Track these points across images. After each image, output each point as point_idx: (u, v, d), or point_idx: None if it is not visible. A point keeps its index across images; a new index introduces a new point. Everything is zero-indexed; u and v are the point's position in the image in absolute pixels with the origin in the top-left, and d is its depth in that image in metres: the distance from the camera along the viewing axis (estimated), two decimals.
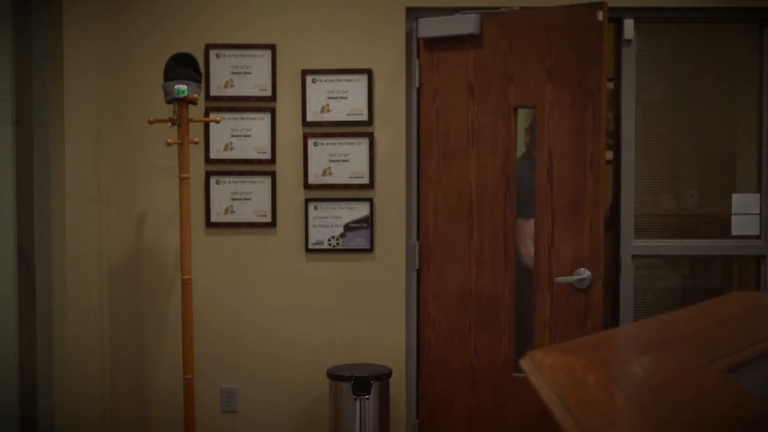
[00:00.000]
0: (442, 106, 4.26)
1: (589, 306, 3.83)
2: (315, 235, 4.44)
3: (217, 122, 4.32)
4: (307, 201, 4.43)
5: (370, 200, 4.43)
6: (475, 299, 4.19)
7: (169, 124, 4.02)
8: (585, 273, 3.84)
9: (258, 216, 4.44)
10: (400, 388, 4.44)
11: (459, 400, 4.25)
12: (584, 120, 3.89)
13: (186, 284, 4.03)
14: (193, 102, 4.00)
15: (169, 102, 3.97)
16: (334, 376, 4.21)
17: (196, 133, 4.28)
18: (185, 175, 4.01)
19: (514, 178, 4.10)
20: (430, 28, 4.25)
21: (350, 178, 4.43)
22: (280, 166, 4.43)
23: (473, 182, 4.18)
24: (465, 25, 4.12)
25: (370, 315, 4.47)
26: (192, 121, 4.06)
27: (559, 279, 3.91)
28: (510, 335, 4.11)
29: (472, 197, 4.18)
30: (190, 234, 4.07)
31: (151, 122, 4.04)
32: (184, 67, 3.97)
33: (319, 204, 4.43)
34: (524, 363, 1.85)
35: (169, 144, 4.01)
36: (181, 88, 3.91)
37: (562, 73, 3.97)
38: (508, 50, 4.09)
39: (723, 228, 4.59)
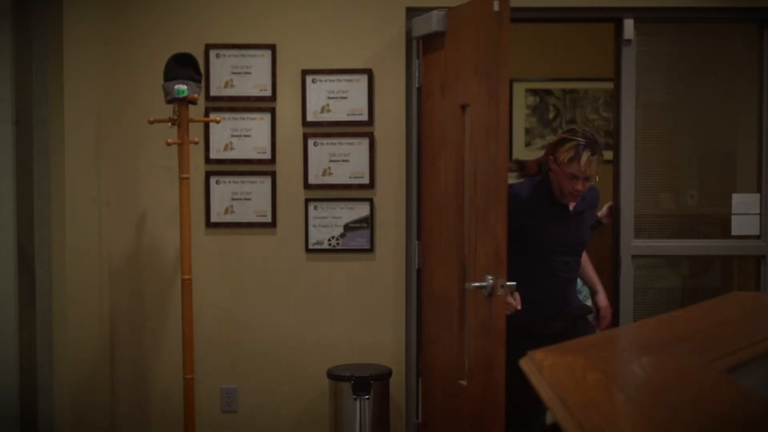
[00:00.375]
0: (430, 105, 4.25)
1: (492, 314, 3.55)
2: (315, 235, 4.44)
3: (217, 122, 4.32)
4: (307, 201, 4.43)
5: (370, 200, 4.43)
6: (443, 302, 4.12)
7: (169, 124, 4.02)
8: (488, 280, 3.58)
9: (258, 216, 4.44)
10: (400, 388, 4.44)
11: (437, 405, 4.23)
12: (490, 118, 3.61)
13: (186, 284, 4.03)
14: (193, 102, 4.00)
15: (169, 102, 3.97)
16: (334, 376, 4.21)
17: (196, 133, 4.28)
18: (185, 175, 4.02)
19: (464, 177, 3.90)
20: (417, 26, 4.27)
21: (350, 178, 4.43)
22: (280, 166, 4.43)
23: (442, 183, 4.11)
24: (434, 22, 4.08)
25: (370, 315, 4.47)
26: (192, 121, 4.06)
27: (467, 285, 3.73)
28: (459, 341, 3.96)
29: (442, 198, 4.12)
30: (190, 234, 4.07)
31: (151, 122, 4.04)
32: (184, 67, 3.97)
33: (319, 204, 4.43)
34: (524, 363, 1.85)
35: (169, 144, 4.01)
36: (181, 88, 3.91)
37: (482, 69, 3.68)
38: (458, 46, 3.93)
39: (723, 228, 4.59)
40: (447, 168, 4.06)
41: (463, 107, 3.90)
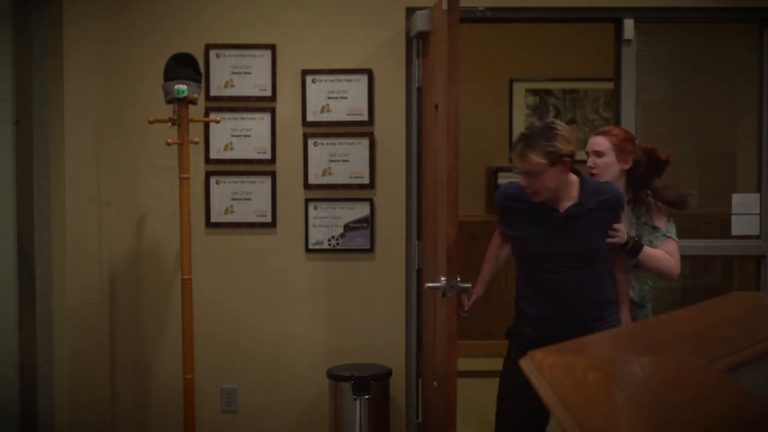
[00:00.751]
0: (425, 105, 4.25)
1: (444, 315, 3.49)
2: (315, 235, 4.44)
3: (217, 122, 4.32)
4: (307, 201, 4.43)
5: (370, 200, 4.43)
6: (427, 303, 4.11)
7: (169, 124, 4.02)
8: (441, 280, 3.49)
9: (258, 216, 4.44)
10: (400, 388, 4.44)
11: (428, 405, 4.22)
12: (441, 118, 3.57)
13: (186, 284, 4.03)
14: (193, 102, 4.00)
15: (169, 102, 3.97)
16: (334, 376, 4.21)
17: (196, 133, 4.28)
18: (185, 175, 4.02)
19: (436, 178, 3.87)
20: (413, 25, 4.28)
21: (350, 178, 4.43)
22: (280, 166, 4.43)
23: (430, 184, 4.10)
24: (419, 22, 4.09)
25: (370, 315, 4.47)
26: (192, 121, 4.06)
27: (426, 286, 3.66)
28: (434, 343, 3.92)
29: (426, 199, 4.13)
30: (190, 234, 4.07)
31: (151, 122, 4.04)
32: (184, 67, 3.97)
33: (319, 204, 4.43)
34: (524, 363, 1.85)
35: (169, 144, 4.01)
36: (181, 88, 3.91)
37: (444, 69, 3.61)
38: (436, 46, 3.91)
39: (723, 228, 4.59)
40: (429, 168, 4.07)
41: (437, 107, 3.85)
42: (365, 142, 4.41)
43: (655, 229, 3.61)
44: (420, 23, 4.07)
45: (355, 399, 4.13)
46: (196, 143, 4.22)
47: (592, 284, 3.38)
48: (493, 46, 6.56)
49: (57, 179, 4.34)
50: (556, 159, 3.24)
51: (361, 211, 4.43)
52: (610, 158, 3.56)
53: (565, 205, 3.34)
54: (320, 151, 4.42)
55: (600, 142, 3.57)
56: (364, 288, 4.45)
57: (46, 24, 4.25)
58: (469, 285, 3.51)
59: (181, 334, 4.07)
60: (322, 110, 4.41)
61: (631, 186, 3.61)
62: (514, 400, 3.43)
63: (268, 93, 4.41)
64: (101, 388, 4.47)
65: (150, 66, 4.31)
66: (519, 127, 6.72)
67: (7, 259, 4.19)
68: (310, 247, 4.44)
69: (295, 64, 4.41)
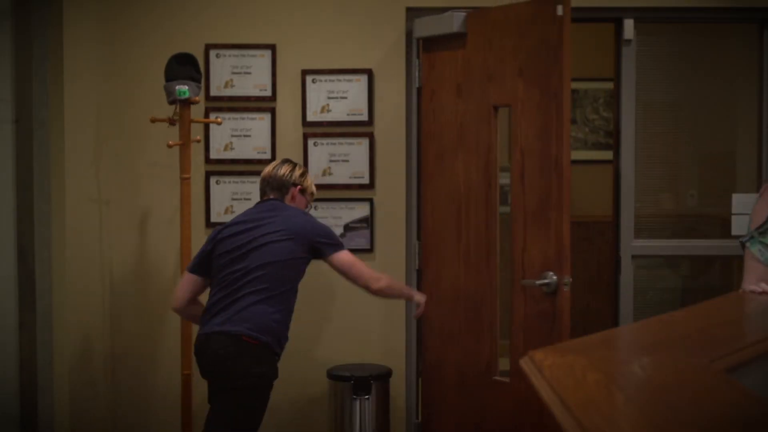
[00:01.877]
0: (437, 105, 4.25)
1: (556, 310, 3.64)
2: None
3: (219, 123, 4.32)
4: None
5: (370, 200, 4.43)
6: (463, 301, 4.15)
7: (168, 124, 4.03)
8: (551, 277, 3.68)
9: None
10: (400, 388, 4.44)
11: (450, 403, 4.24)
12: (549, 120, 3.72)
13: None
14: (194, 103, 4.00)
15: (171, 103, 3.98)
16: (334, 376, 4.21)
17: (195, 132, 4.27)
18: (186, 175, 4.02)
19: (496, 177, 4.00)
20: (424, 27, 4.27)
21: (350, 178, 4.43)
22: None
23: (461, 182, 4.13)
24: (452, 23, 4.11)
25: (370, 315, 4.46)
26: (193, 121, 4.06)
27: (524, 282, 3.79)
28: (492, 338, 4.03)
29: (461, 198, 4.15)
30: (190, 234, 4.07)
31: (152, 121, 4.04)
32: (184, 66, 3.97)
33: (319, 204, 4.42)
34: (524, 363, 1.85)
35: (170, 146, 4.00)
36: (183, 89, 3.91)
37: (531, 71, 3.81)
38: (488, 48, 3.99)
39: (723, 228, 4.58)
40: (468, 168, 4.10)
41: (496, 108, 3.98)
42: (365, 142, 4.41)
43: None
44: (457, 25, 4.08)
45: (355, 399, 4.13)
46: (198, 141, 4.22)
47: None
48: None
49: (57, 179, 4.34)
50: None
51: (361, 211, 4.43)
52: None
53: None
54: (320, 151, 4.42)
55: None
56: None
57: (46, 24, 4.25)
58: (570, 279, 3.69)
59: (180, 333, 4.06)
60: (322, 110, 4.41)
61: None
62: None
63: (268, 93, 4.41)
64: (101, 388, 4.46)
65: (150, 66, 4.31)
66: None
67: (7, 259, 4.19)
68: None
69: (295, 64, 4.41)
